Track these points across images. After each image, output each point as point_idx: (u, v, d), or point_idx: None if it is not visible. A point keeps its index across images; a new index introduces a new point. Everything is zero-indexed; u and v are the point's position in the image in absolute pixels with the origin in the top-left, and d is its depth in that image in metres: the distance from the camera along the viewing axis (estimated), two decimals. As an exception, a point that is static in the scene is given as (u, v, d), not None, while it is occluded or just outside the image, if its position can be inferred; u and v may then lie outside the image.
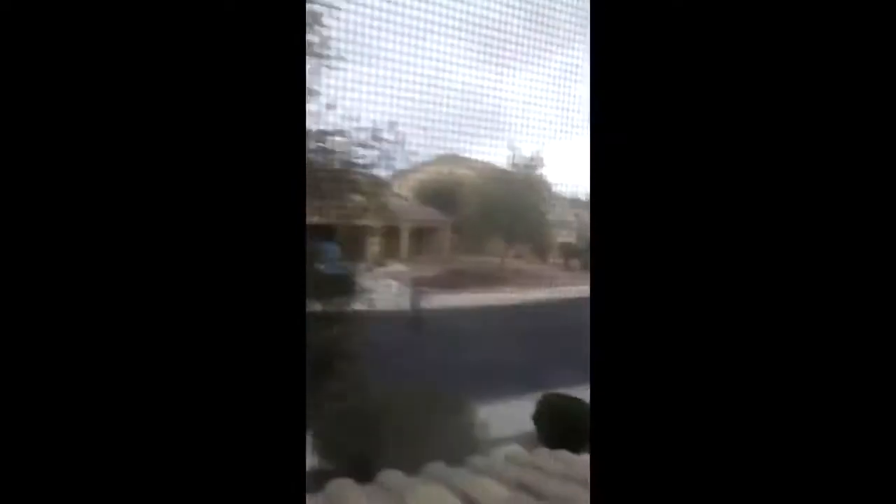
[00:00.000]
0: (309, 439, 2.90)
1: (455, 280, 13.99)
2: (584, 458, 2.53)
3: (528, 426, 4.62)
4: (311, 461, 2.86)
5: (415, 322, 9.27)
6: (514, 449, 3.35)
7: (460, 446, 2.90)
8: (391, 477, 1.68)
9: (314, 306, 3.13)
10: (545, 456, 2.39)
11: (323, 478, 1.79)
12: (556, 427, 4.26)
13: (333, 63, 3.67)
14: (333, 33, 3.53)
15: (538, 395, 4.72)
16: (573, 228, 20.70)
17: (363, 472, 1.96)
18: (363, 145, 4.06)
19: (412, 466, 1.81)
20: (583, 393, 4.71)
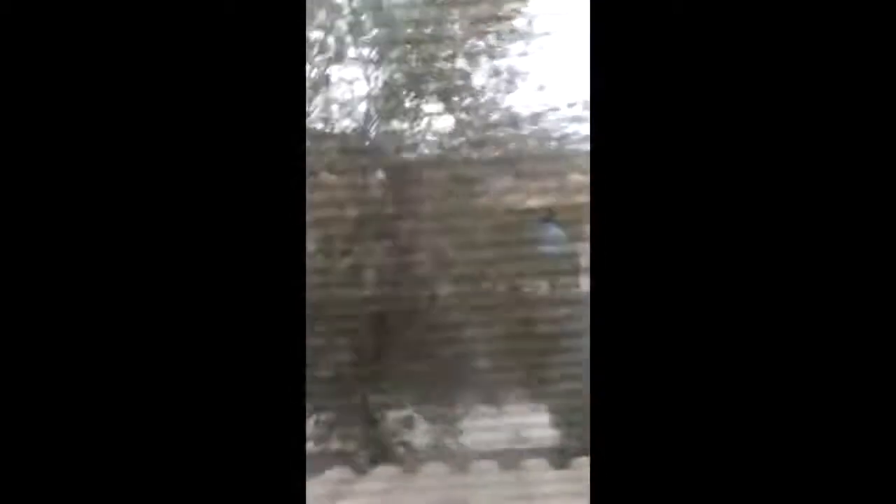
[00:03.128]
0: (548, 417, 3.02)
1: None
2: None
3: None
4: (557, 440, 2.98)
5: None
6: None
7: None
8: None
9: (541, 288, 3.21)
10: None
11: (564, 453, 1.87)
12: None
13: (538, 41, 3.64)
14: (534, 10, 3.50)
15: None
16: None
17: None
18: (577, 120, 3.94)
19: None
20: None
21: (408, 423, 2.69)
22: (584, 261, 4.24)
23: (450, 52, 2.87)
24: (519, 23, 3.32)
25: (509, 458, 2.15)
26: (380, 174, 2.85)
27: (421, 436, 2.62)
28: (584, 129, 4.28)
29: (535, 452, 2.23)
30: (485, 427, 2.62)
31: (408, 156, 2.90)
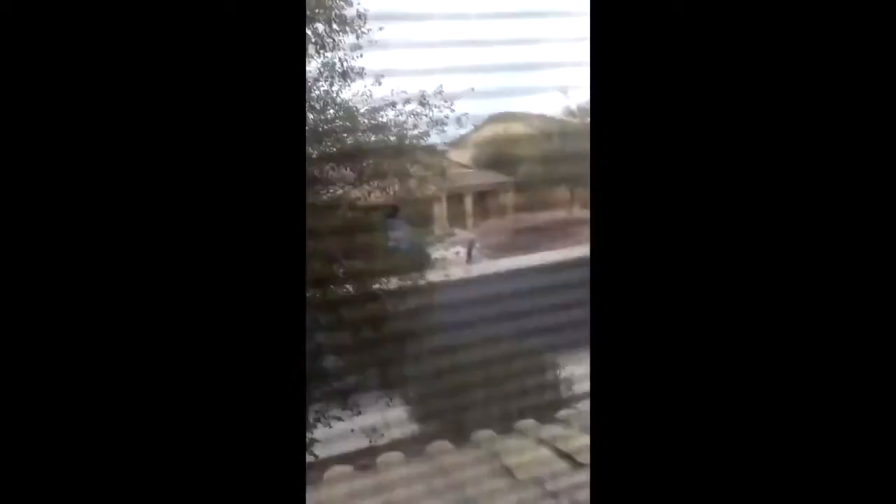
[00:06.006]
0: (405, 407, 3.04)
1: (523, 240, 13.82)
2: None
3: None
4: (411, 428, 3.01)
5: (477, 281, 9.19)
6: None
7: (547, 403, 2.93)
8: (484, 436, 1.74)
9: (390, 283, 3.23)
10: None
11: (422, 441, 1.88)
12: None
13: (373, 36, 3.64)
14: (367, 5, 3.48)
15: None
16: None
17: (458, 434, 2.04)
18: (414, 115, 4.04)
19: (503, 425, 1.87)
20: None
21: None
22: (431, 254, 4.38)
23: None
24: (350, 12, 3.23)
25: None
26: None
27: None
28: (422, 123, 4.42)
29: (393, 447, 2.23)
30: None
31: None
